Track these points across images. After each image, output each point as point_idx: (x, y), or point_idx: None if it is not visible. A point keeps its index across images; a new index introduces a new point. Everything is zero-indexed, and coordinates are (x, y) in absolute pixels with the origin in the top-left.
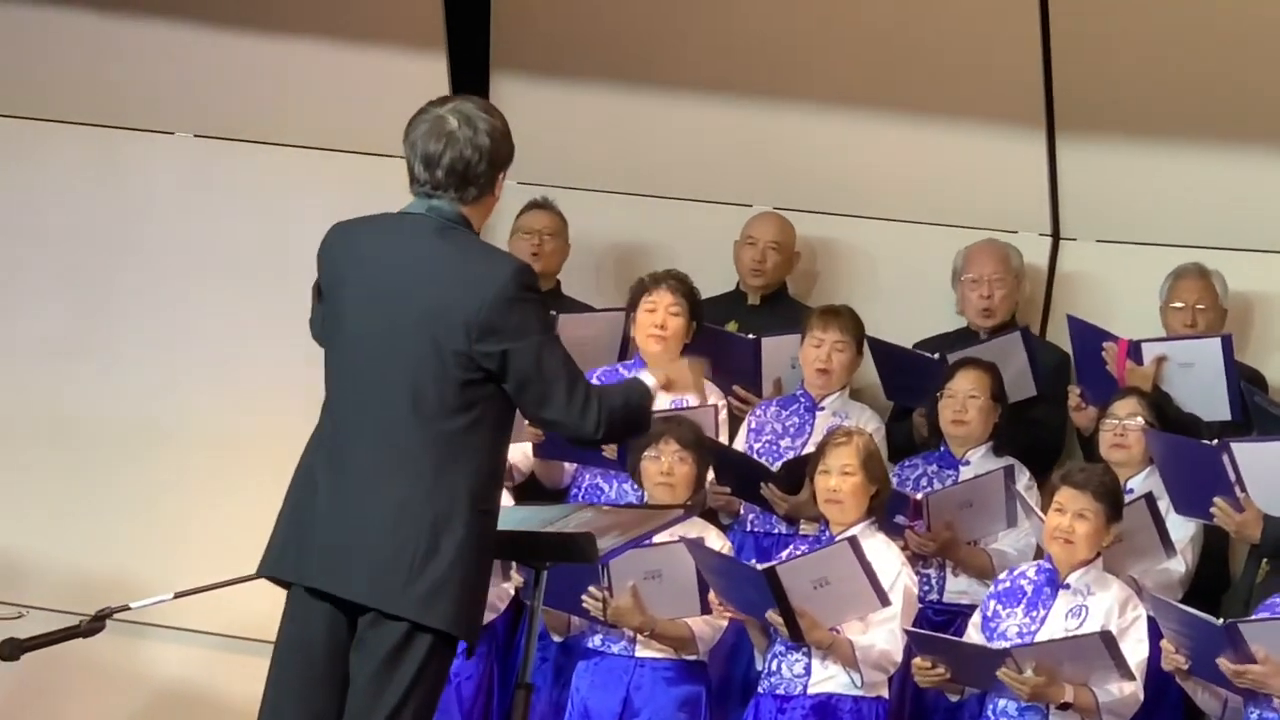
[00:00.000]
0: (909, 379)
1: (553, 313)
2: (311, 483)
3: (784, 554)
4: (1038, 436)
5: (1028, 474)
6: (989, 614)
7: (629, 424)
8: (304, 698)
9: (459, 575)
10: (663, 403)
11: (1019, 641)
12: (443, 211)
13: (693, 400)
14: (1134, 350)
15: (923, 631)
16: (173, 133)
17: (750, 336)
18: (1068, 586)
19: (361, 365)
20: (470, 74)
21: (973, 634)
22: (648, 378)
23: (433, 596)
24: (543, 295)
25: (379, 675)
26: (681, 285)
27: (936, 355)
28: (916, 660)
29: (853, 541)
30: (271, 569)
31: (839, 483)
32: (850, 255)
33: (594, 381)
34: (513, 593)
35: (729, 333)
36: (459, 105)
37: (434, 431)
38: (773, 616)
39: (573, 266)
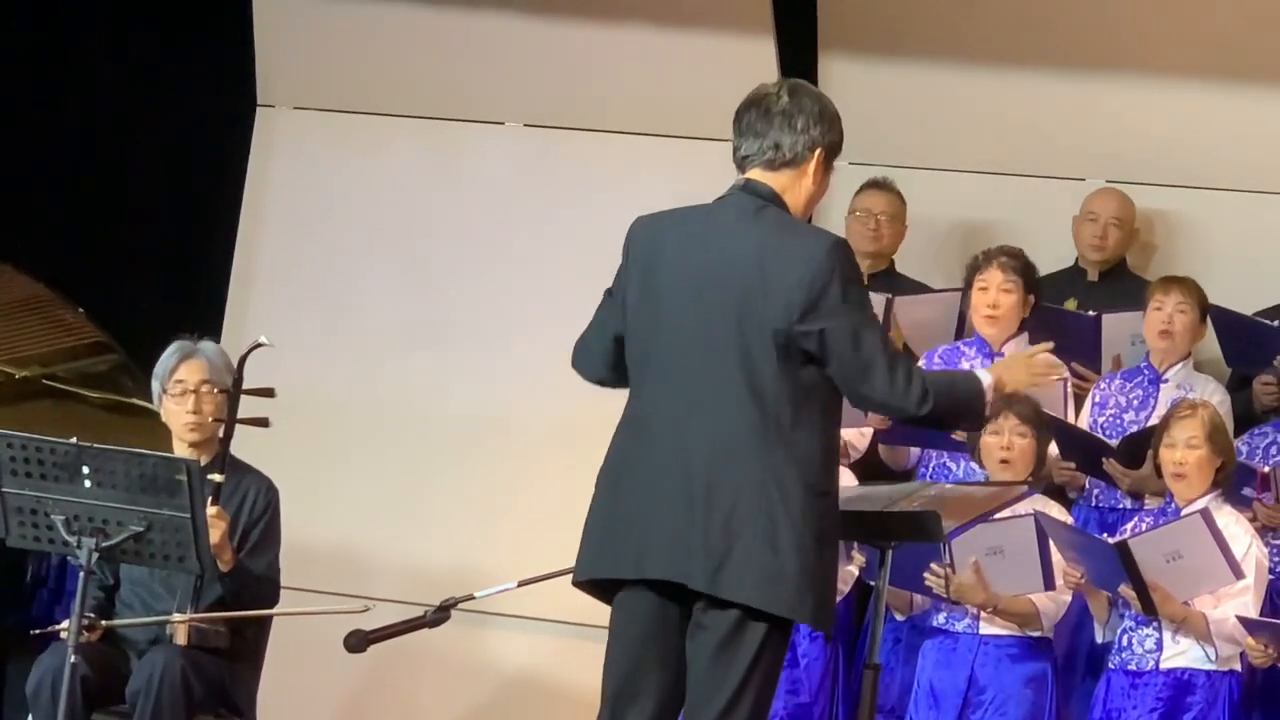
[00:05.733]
0: (1249, 347)
1: (889, 295)
2: (628, 474)
3: (1128, 527)
4: None
5: None
6: None
7: (955, 411)
8: (639, 685)
9: (799, 559)
10: None
11: None
12: (756, 189)
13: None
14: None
15: (1250, 617)
16: (503, 122)
17: (1091, 314)
18: None
19: (682, 352)
20: (799, 56)
21: None
22: (984, 375)
23: (773, 582)
24: (858, 271)
25: (716, 661)
26: (1014, 262)
27: (1277, 323)
28: (1249, 641)
29: (1205, 514)
30: (592, 570)
31: (1184, 455)
32: (1187, 227)
33: (935, 359)
34: (856, 573)
35: (1068, 311)
36: (789, 84)
37: (762, 416)
38: (1126, 591)
39: (907, 244)
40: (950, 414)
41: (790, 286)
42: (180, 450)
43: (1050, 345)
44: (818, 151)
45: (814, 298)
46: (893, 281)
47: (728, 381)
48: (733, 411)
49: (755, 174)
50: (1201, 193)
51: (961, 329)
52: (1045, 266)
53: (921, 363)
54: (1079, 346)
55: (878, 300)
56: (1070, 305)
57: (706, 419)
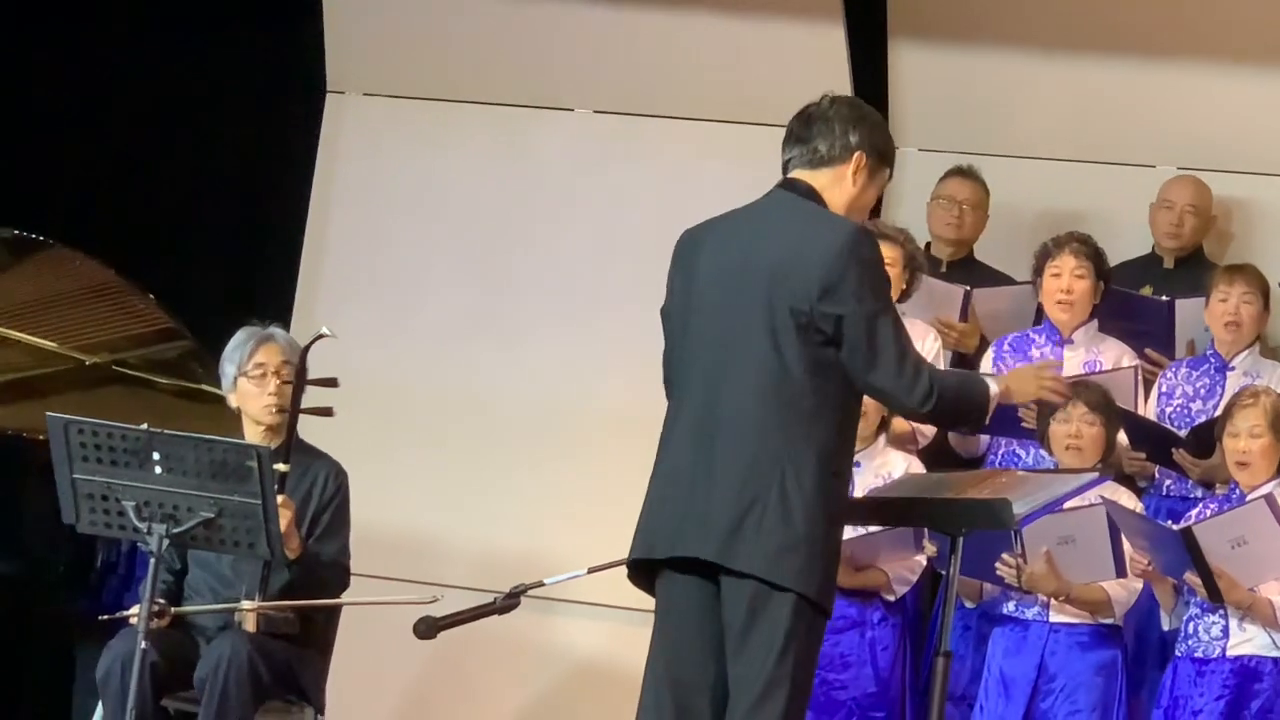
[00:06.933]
0: None
1: (967, 288)
2: (663, 463)
3: (1192, 514)
4: None
5: None
6: None
7: (960, 411)
8: (679, 669)
9: (808, 533)
10: (1076, 366)
11: None
12: (792, 185)
13: (1105, 364)
14: None
15: None
16: (573, 109)
17: (1164, 299)
18: None
19: (710, 337)
20: (868, 42)
21: None
22: (993, 383)
23: (782, 555)
24: (880, 259)
25: (744, 637)
26: (1085, 247)
27: None
28: None
29: (1269, 499)
30: (638, 553)
31: (1247, 444)
32: (1265, 215)
33: (1005, 347)
34: (924, 562)
35: (1141, 295)
36: (834, 97)
37: (778, 393)
38: (1191, 578)
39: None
40: (951, 416)
41: (811, 269)
42: (252, 436)
43: (1058, 364)
44: (856, 155)
45: (833, 282)
46: (972, 270)
47: (749, 362)
48: (753, 391)
49: (795, 173)
50: (1277, 179)
51: (1038, 319)
52: (1121, 254)
53: (990, 351)
54: (1152, 332)
55: (956, 291)
56: (1146, 292)
57: (727, 398)
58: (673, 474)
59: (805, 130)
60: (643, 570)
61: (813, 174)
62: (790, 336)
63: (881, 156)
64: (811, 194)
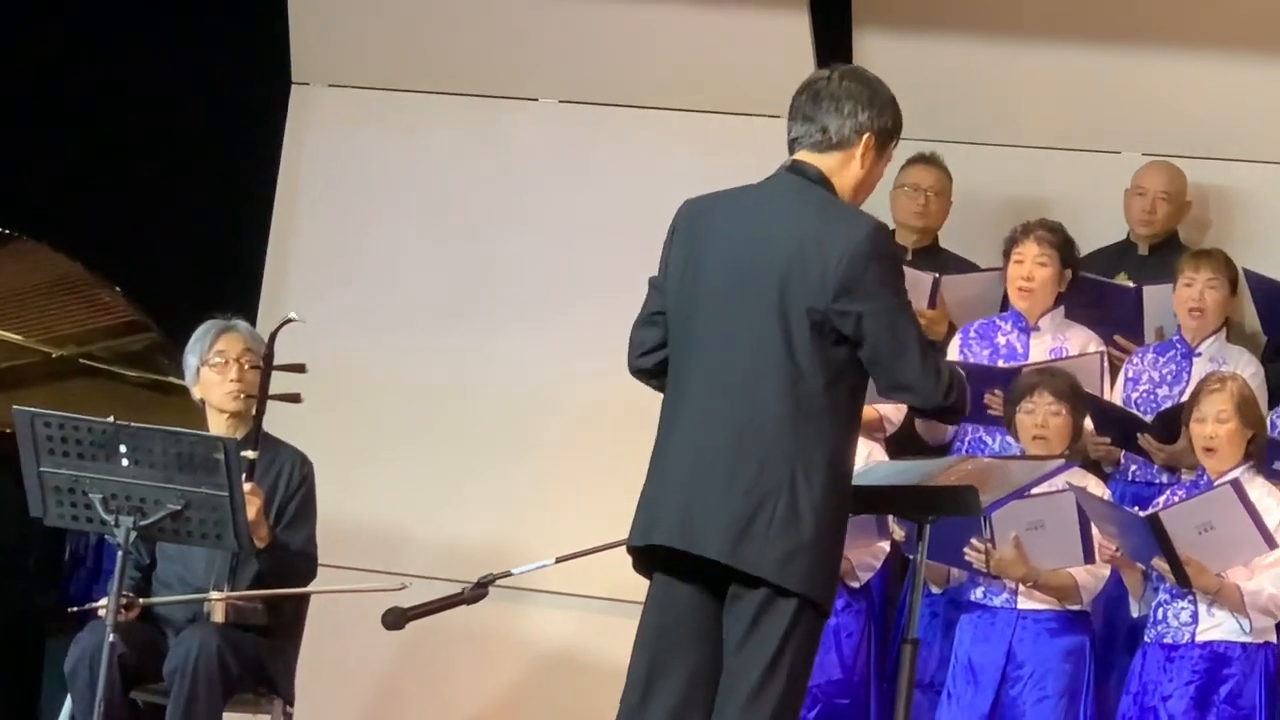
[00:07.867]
0: None
1: (935, 274)
2: (665, 448)
3: (1160, 500)
4: None
5: None
6: None
7: (962, 401)
8: (668, 663)
9: (816, 536)
10: (1042, 353)
11: None
12: (802, 170)
13: (1071, 350)
14: None
15: None
16: (537, 99)
17: (1131, 285)
18: None
19: (719, 327)
20: (833, 31)
21: None
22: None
23: (791, 558)
24: (898, 256)
25: (747, 637)
26: (1051, 235)
27: None
28: None
29: (1235, 484)
30: (638, 539)
31: (1214, 430)
32: (1241, 202)
33: (971, 334)
34: (887, 548)
35: (1109, 282)
36: (843, 69)
37: (792, 392)
38: (1159, 564)
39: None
40: (961, 406)
41: (828, 266)
42: (216, 426)
43: None
44: (865, 136)
45: (851, 280)
46: (937, 257)
47: (762, 357)
48: (765, 386)
49: (803, 155)
50: (1256, 167)
51: (1005, 306)
52: (1086, 241)
53: (957, 338)
54: (1121, 319)
55: (925, 278)
56: (1122, 279)
57: (739, 393)
58: (679, 466)
59: (813, 108)
60: (642, 556)
61: (821, 157)
62: (804, 335)
63: (890, 134)
64: (821, 180)
